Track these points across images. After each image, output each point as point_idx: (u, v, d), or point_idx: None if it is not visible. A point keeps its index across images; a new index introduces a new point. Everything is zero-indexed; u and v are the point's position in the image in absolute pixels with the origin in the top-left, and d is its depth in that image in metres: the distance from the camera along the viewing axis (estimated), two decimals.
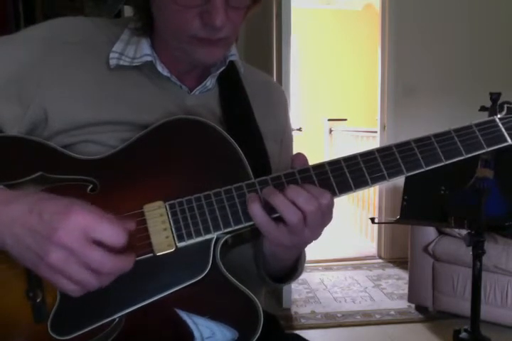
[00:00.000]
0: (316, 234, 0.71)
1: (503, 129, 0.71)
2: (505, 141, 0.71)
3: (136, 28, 0.79)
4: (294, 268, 0.86)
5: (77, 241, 0.58)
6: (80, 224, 0.59)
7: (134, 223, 0.64)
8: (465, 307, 2.14)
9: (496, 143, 0.71)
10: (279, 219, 0.68)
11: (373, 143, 4.33)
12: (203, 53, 0.75)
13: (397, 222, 1.91)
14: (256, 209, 0.67)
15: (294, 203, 0.66)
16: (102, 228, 0.59)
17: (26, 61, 0.77)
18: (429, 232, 2.76)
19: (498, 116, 0.73)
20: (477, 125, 0.72)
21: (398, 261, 3.78)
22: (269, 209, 0.68)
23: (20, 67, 0.77)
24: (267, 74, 1.01)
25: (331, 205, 0.69)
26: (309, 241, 0.73)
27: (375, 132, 4.07)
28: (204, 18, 0.70)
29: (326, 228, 0.73)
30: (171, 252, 0.69)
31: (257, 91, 0.90)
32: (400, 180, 0.77)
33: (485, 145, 0.71)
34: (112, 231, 0.59)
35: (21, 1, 2.69)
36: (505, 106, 0.72)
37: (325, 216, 0.69)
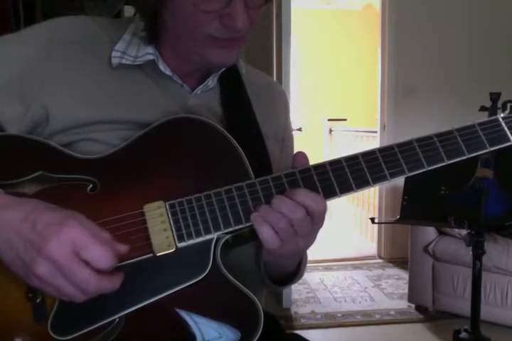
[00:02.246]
0: (310, 241, 0.71)
1: (506, 129, 0.71)
2: (509, 140, 0.71)
3: (142, 37, 0.78)
4: (295, 271, 0.86)
5: (66, 256, 0.58)
6: (72, 239, 0.58)
7: (126, 246, 0.63)
8: (465, 307, 2.14)
9: (498, 142, 0.71)
10: None
11: (373, 143, 4.32)
12: (219, 55, 0.75)
13: (397, 222, 1.91)
14: (265, 231, 0.67)
15: (279, 212, 0.66)
16: (91, 248, 0.59)
17: (28, 60, 0.77)
18: (429, 232, 2.76)
19: (502, 115, 0.72)
20: (480, 124, 0.71)
21: (398, 261, 3.78)
22: None
23: (21, 66, 0.77)
24: (268, 75, 1.01)
25: (319, 208, 0.67)
26: (305, 249, 0.74)
27: (375, 132, 4.07)
28: (224, 20, 0.70)
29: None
30: (171, 252, 0.68)
31: (258, 92, 0.90)
32: (400, 180, 0.76)
33: (488, 145, 0.71)
34: (100, 254, 0.59)
35: (21, 1, 2.68)
36: (509, 105, 0.71)
37: (316, 222, 0.68)
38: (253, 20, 0.73)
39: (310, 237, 0.71)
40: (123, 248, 0.63)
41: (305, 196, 0.67)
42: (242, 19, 0.69)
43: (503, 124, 0.71)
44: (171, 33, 0.77)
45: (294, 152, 0.75)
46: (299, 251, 0.73)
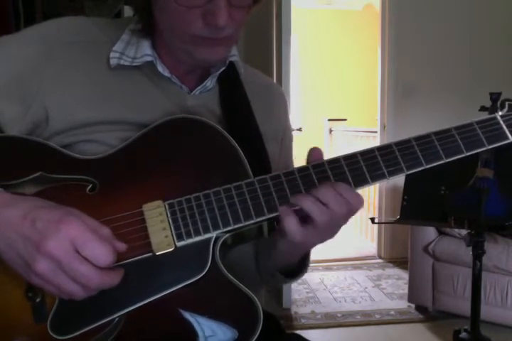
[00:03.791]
0: (334, 233, 0.73)
1: (505, 127, 0.71)
2: (507, 138, 0.71)
3: (137, 30, 0.79)
4: (300, 263, 0.85)
5: (66, 253, 0.58)
6: (71, 236, 0.58)
7: (124, 245, 0.64)
8: (465, 307, 2.13)
9: (496, 140, 0.71)
10: (305, 220, 0.68)
11: (373, 143, 4.33)
12: (206, 52, 0.75)
13: (397, 222, 1.91)
14: (292, 224, 0.68)
15: (324, 204, 0.67)
16: (91, 245, 0.59)
17: (28, 60, 0.77)
18: (429, 232, 2.76)
19: (500, 113, 0.72)
20: (478, 122, 0.72)
21: (398, 261, 3.78)
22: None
23: (21, 66, 0.77)
24: (267, 76, 1.01)
25: (358, 209, 0.70)
26: (329, 238, 0.74)
27: (375, 132, 4.07)
28: (207, 18, 0.70)
29: None
30: (171, 251, 0.68)
31: (257, 92, 0.90)
32: (399, 180, 0.77)
33: (486, 143, 0.71)
34: (99, 251, 0.59)
35: (21, 1, 2.68)
36: (507, 103, 0.72)
37: (348, 218, 0.71)
38: (237, 20, 0.72)
39: (337, 229, 0.73)
40: (121, 246, 0.63)
41: (349, 193, 0.69)
42: (224, 16, 0.69)
43: (501, 122, 0.71)
44: (163, 32, 0.77)
45: (294, 152, 0.75)
46: (323, 238, 0.74)
